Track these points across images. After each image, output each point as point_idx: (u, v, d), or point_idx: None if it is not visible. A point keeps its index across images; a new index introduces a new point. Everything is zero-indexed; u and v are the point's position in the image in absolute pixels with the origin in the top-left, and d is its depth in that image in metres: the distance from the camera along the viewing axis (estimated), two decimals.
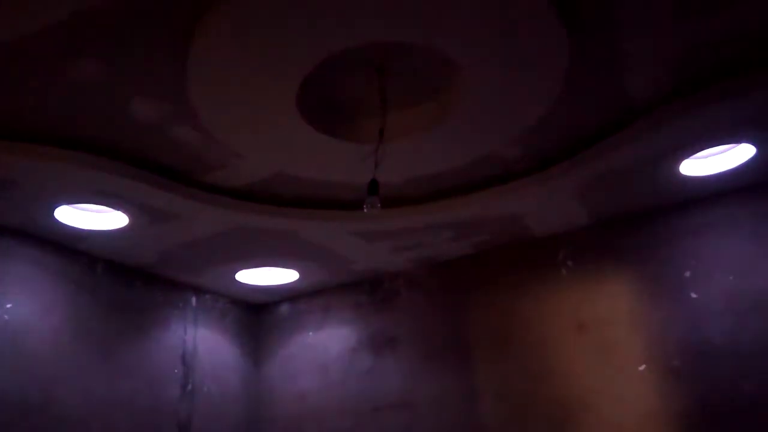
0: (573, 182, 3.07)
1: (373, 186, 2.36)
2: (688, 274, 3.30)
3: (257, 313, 4.71)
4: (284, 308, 4.64)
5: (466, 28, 2.05)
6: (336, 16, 1.97)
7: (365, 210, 2.37)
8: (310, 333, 4.46)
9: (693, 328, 3.20)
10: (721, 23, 2.17)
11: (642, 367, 3.27)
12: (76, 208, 3.17)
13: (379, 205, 2.36)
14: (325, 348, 4.36)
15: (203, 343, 4.24)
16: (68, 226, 3.25)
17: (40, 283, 3.39)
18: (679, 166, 3.00)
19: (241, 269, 4.03)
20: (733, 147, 2.96)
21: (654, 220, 3.47)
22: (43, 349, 3.30)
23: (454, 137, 2.70)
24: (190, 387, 4.04)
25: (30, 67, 2.18)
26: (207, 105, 2.40)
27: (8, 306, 3.20)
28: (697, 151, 2.90)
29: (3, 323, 3.16)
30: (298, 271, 4.12)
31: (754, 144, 2.87)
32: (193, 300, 4.27)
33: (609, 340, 3.40)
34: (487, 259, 3.92)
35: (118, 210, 3.11)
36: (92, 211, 3.21)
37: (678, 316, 3.26)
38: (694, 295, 3.26)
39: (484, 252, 3.93)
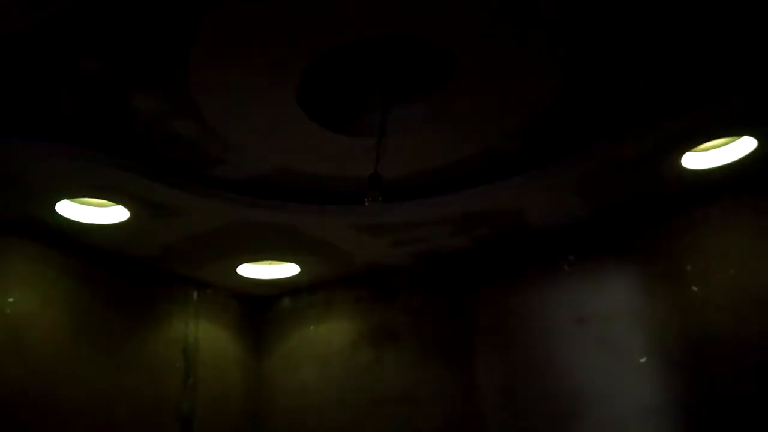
0: (574, 176, 3.07)
1: (375, 180, 2.36)
2: (689, 267, 3.30)
3: (259, 307, 4.72)
4: (285, 302, 4.65)
5: (466, 22, 2.04)
6: (337, 9, 1.96)
7: (366, 204, 2.37)
8: (312, 327, 4.47)
9: (694, 321, 3.21)
10: (724, 17, 2.16)
11: (643, 361, 3.28)
12: (77, 202, 3.17)
13: (380, 199, 2.36)
14: (326, 342, 4.37)
15: (205, 336, 4.25)
16: (69, 220, 3.25)
17: (42, 278, 3.39)
18: (680, 160, 3.00)
19: (243, 263, 4.04)
20: (735, 140, 2.96)
21: (655, 214, 3.46)
22: (45, 343, 3.31)
23: (455, 131, 2.69)
24: (191, 380, 4.05)
25: (30, 62, 2.17)
26: (208, 99, 2.39)
27: (10, 300, 3.21)
28: (699, 144, 2.89)
29: (4, 318, 3.17)
30: (300, 265, 4.13)
31: (755, 137, 2.87)
32: (195, 294, 4.27)
33: (610, 334, 3.41)
34: (488, 253, 3.93)
35: (119, 204, 3.11)
36: (93, 205, 3.21)
37: (679, 309, 3.27)
38: (694, 289, 3.26)
39: (485, 246, 3.93)
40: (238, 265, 4.06)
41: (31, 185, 2.89)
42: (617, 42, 2.24)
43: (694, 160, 3.04)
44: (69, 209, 3.18)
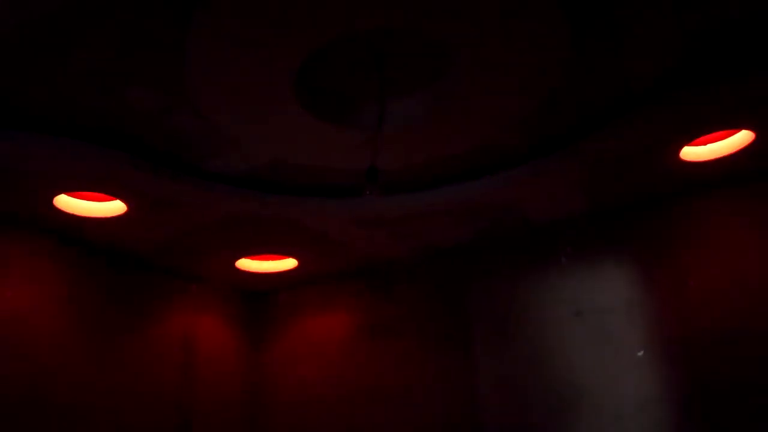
0: (573, 169, 3.06)
1: (373, 173, 2.36)
2: (686, 261, 3.31)
3: (257, 301, 4.71)
4: (284, 296, 4.64)
5: (464, 14, 2.04)
6: (334, 2, 1.96)
7: (365, 197, 2.37)
8: (310, 321, 4.47)
9: (691, 314, 3.21)
10: (723, 9, 2.16)
11: (640, 354, 3.29)
12: (75, 196, 3.16)
13: (378, 192, 2.36)
14: (324, 335, 4.37)
15: (204, 330, 4.25)
16: (67, 214, 3.24)
17: (40, 272, 3.39)
18: (679, 153, 3.00)
19: (241, 257, 4.03)
20: (733, 133, 2.96)
21: (653, 207, 3.47)
22: (43, 338, 3.30)
23: (453, 124, 2.69)
24: (191, 374, 4.06)
25: (28, 56, 2.16)
26: (205, 93, 2.39)
27: (8, 295, 3.20)
28: (697, 137, 2.89)
29: (2, 312, 3.16)
30: (298, 259, 4.12)
31: (753, 130, 2.87)
32: (194, 288, 4.27)
33: (607, 327, 3.41)
34: (487, 246, 3.92)
35: (116, 198, 3.10)
36: (91, 199, 3.20)
37: (676, 302, 3.27)
38: (692, 282, 3.26)
39: (483, 239, 3.92)
40: (237, 259, 4.06)
41: (29, 179, 2.88)
42: (616, 34, 2.24)
43: (693, 153, 3.04)
44: (67, 203, 3.17)
